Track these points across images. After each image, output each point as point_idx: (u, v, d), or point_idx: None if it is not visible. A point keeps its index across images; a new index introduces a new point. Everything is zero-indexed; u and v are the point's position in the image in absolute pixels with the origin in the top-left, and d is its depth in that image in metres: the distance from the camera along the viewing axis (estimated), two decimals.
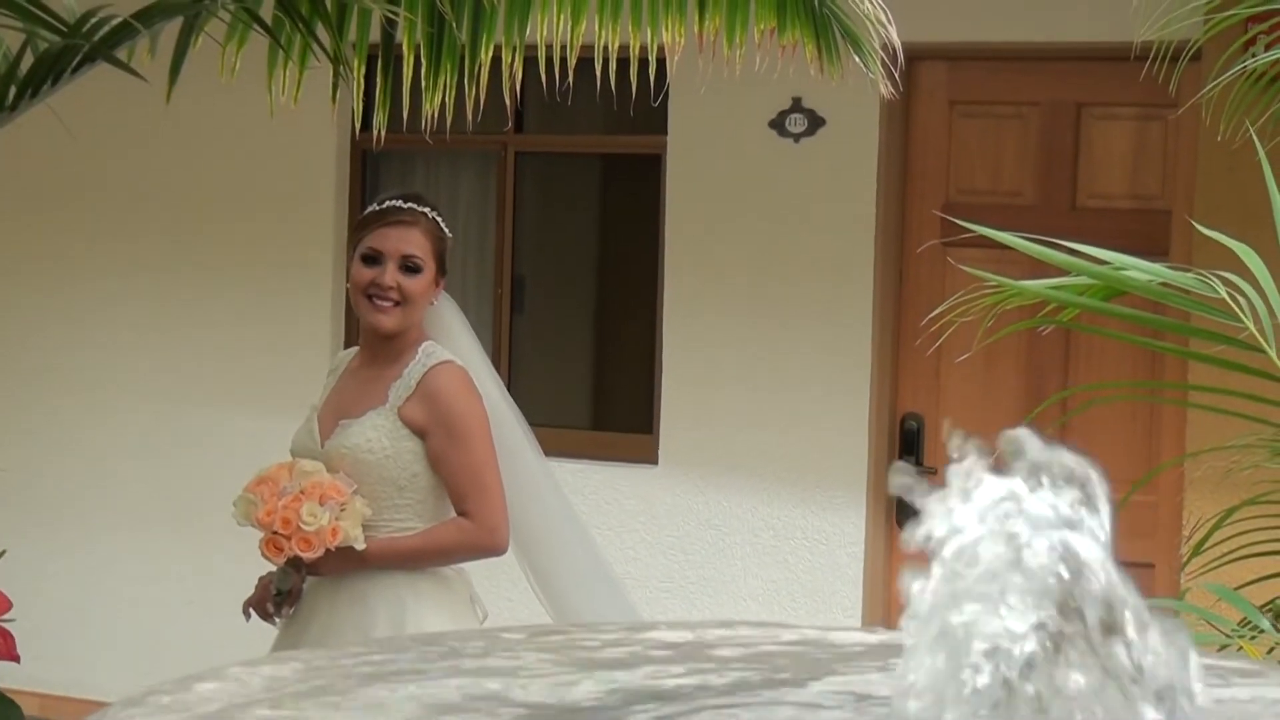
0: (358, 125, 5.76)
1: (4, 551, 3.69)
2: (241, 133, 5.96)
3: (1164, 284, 2.20)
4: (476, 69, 3.47)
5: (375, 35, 3.46)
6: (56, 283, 6.26)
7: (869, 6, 3.60)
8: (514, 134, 5.91)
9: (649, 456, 5.69)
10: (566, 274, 6.09)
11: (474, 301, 5.83)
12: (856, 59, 3.78)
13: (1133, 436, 5.11)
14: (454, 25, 3.28)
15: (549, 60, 3.51)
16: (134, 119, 5.97)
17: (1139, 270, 2.17)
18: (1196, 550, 2.59)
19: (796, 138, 5.56)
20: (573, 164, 6.05)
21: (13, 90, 2.96)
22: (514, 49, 3.51)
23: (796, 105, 5.53)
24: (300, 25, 2.97)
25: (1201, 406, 3.35)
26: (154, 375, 6.15)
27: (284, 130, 5.69)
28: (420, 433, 3.49)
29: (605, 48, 3.55)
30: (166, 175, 6.14)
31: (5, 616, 3.59)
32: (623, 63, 3.64)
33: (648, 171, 5.79)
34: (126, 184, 6.18)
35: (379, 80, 3.48)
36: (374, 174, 6.10)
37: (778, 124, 5.56)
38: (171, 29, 3.15)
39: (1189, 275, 2.20)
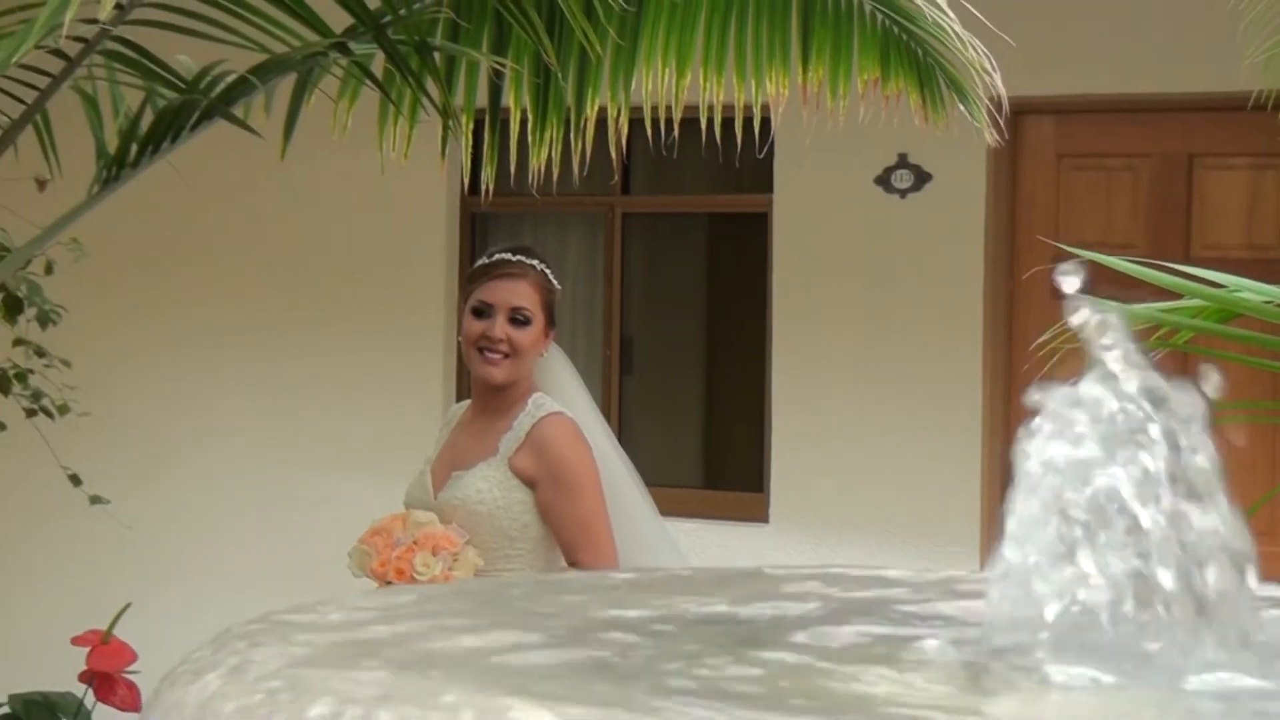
0: (466, 186, 5.85)
1: (129, 605, 3.76)
2: (352, 198, 6.06)
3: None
4: (582, 123, 3.51)
5: (482, 100, 3.51)
6: (177, 345, 6.38)
7: (973, 54, 3.60)
8: (621, 195, 5.96)
9: (760, 514, 5.67)
10: (675, 334, 6.11)
11: (583, 362, 5.86)
12: (962, 108, 3.78)
13: (1254, 460, 5.03)
14: (560, 77, 3.33)
15: (654, 117, 3.54)
16: (246, 184, 6.09)
17: (1252, 291, 2.15)
18: None
19: (903, 193, 5.55)
20: (680, 224, 6.09)
21: (134, 148, 3.04)
22: (619, 105, 3.55)
23: (902, 161, 5.53)
24: (410, 80, 3.03)
25: None
26: (268, 437, 6.24)
27: (394, 194, 5.79)
28: (530, 483, 3.51)
29: (710, 103, 3.58)
30: (278, 240, 6.25)
31: (130, 669, 3.66)
32: (728, 122, 3.67)
33: (754, 230, 5.81)
34: (240, 247, 6.30)
35: (486, 136, 3.53)
36: (483, 236, 6.17)
37: (884, 180, 5.56)
38: (285, 88, 3.22)
39: None
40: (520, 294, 3.56)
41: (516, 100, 3.48)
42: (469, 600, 1.28)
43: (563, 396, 3.60)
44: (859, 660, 1.02)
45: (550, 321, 3.60)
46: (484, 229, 6.18)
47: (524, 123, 3.48)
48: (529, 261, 3.60)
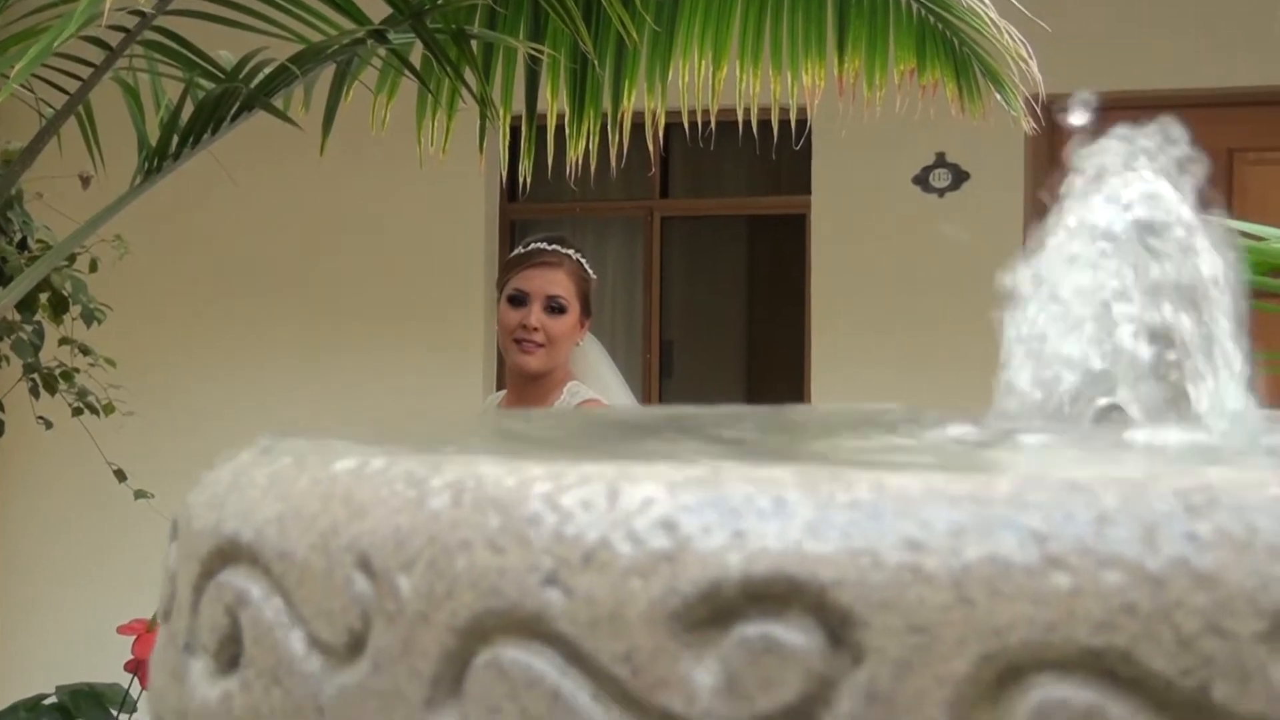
0: (504, 187, 5.88)
1: None
2: (392, 204, 6.10)
3: None
4: (619, 116, 3.53)
5: (519, 101, 3.52)
6: (219, 345, 6.43)
7: (1009, 41, 3.60)
8: (659, 199, 5.98)
9: None
10: (715, 337, 6.13)
11: (623, 366, 5.87)
12: (998, 97, 3.78)
13: None
14: (597, 67, 3.35)
15: (692, 113, 3.55)
16: (289, 191, 6.14)
17: None
18: None
19: (941, 192, 5.55)
20: (718, 227, 6.11)
21: (174, 139, 3.07)
22: (656, 98, 3.56)
23: (940, 160, 5.54)
24: (448, 69, 3.05)
25: None
26: None
27: (434, 201, 5.82)
28: None
29: (747, 99, 3.59)
30: (320, 245, 6.29)
31: None
32: (764, 125, 3.68)
33: (793, 232, 5.82)
34: (282, 252, 6.34)
35: (524, 130, 3.55)
36: None
37: (921, 179, 5.56)
38: (323, 87, 3.25)
39: None
40: (556, 282, 3.58)
41: (554, 94, 3.50)
42: (508, 417, 1.37)
43: (600, 385, 3.62)
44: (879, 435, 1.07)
45: (586, 311, 3.62)
46: (524, 235, 6.21)
47: (561, 122, 3.51)
48: (564, 250, 3.62)
